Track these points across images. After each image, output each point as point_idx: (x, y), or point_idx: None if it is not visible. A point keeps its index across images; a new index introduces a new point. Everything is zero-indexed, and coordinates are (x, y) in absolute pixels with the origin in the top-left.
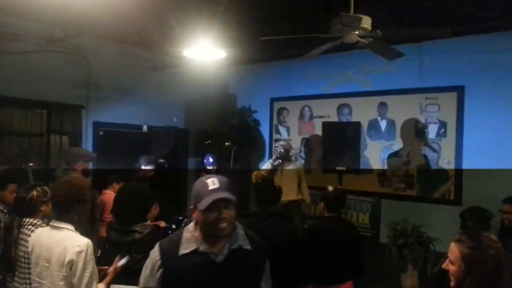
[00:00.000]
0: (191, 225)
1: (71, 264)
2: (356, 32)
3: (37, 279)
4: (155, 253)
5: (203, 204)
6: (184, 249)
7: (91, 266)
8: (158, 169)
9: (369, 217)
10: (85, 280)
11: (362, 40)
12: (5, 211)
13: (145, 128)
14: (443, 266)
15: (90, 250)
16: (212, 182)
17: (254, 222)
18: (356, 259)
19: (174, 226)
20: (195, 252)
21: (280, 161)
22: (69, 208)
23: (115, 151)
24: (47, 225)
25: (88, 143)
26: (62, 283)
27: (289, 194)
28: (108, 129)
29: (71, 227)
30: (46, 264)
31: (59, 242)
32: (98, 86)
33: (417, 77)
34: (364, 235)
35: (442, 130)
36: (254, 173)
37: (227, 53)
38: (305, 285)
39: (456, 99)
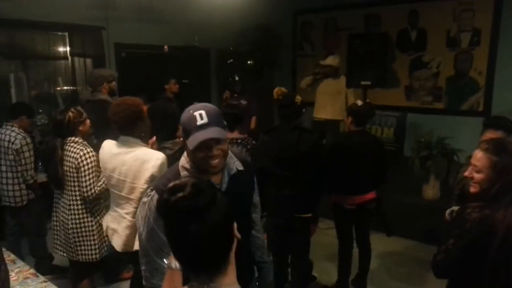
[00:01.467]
0: (184, 159)
1: (154, 178)
2: None
3: (111, 190)
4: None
5: (191, 143)
6: None
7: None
8: (182, 88)
9: (394, 131)
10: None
11: None
12: (27, 134)
13: (166, 48)
14: (466, 174)
15: (166, 161)
16: (200, 116)
17: (277, 136)
18: (379, 172)
19: None
20: None
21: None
22: (133, 126)
23: (138, 72)
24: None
25: (111, 66)
26: (140, 195)
27: (325, 112)
28: (130, 50)
29: (140, 142)
30: (123, 178)
31: (136, 157)
32: (116, 6)
33: None
34: (388, 149)
35: (476, 38)
36: (276, 89)
37: None
38: (329, 194)
39: (494, 4)
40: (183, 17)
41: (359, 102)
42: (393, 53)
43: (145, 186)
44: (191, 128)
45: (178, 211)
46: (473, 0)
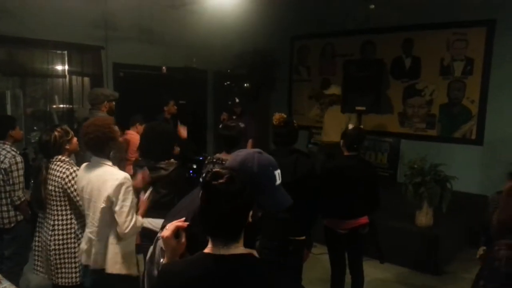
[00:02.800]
0: None
1: (111, 198)
2: None
3: (85, 212)
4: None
5: (272, 204)
6: None
7: (131, 197)
8: (179, 110)
9: (387, 157)
10: (125, 209)
11: None
12: (18, 152)
13: (164, 69)
14: None
15: (129, 182)
16: (278, 176)
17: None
18: (372, 196)
19: (195, 166)
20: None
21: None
22: (104, 146)
23: (136, 92)
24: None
25: (109, 85)
26: (101, 214)
27: (333, 135)
28: (128, 70)
29: (109, 162)
30: (88, 197)
31: (99, 176)
32: (116, 27)
33: (446, 11)
34: (381, 175)
35: (469, 67)
36: (277, 115)
37: None
38: (322, 219)
39: (486, 34)
40: (182, 39)
41: (350, 126)
42: (387, 79)
43: (103, 205)
44: (270, 187)
45: (215, 192)
46: (466, 31)
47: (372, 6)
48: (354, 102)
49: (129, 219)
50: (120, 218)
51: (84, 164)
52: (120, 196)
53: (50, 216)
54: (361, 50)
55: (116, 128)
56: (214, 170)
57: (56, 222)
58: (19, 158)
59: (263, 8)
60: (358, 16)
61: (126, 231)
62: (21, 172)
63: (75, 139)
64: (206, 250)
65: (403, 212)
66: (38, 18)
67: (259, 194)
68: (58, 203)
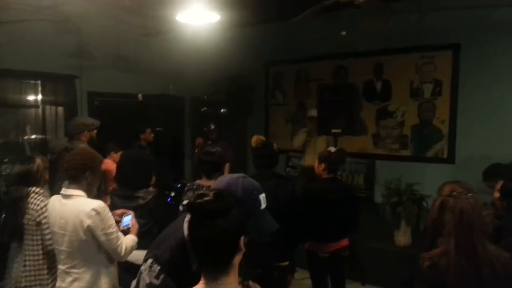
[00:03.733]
0: (187, 222)
1: (91, 229)
2: None
3: (56, 247)
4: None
5: (258, 230)
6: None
7: (112, 222)
8: (156, 137)
9: (364, 178)
10: (113, 236)
11: None
12: None
13: (140, 97)
14: None
15: (106, 209)
16: (263, 200)
17: None
18: (352, 219)
19: (173, 194)
20: None
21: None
22: (80, 176)
23: (112, 121)
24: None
25: (83, 114)
26: (81, 246)
27: (313, 159)
28: (103, 99)
29: (81, 193)
30: (62, 232)
31: (72, 208)
32: (90, 55)
33: (414, 36)
34: (359, 196)
35: (437, 89)
36: (254, 138)
37: (221, 16)
38: (303, 243)
39: (452, 58)
40: (158, 67)
41: (332, 149)
42: (360, 102)
43: (84, 237)
44: (255, 212)
45: (202, 211)
46: (433, 54)
47: (344, 33)
48: (329, 125)
49: (120, 242)
50: (111, 246)
51: (54, 197)
52: (101, 225)
53: (22, 251)
54: (333, 74)
55: (100, 162)
56: (199, 192)
57: (28, 258)
58: None
59: (238, 35)
60: (329, 42)
61: (123, 253)
62: None
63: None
64: (197, 287)
65: (382, 232)
66: (10, 48)
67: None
68: (31, 237)
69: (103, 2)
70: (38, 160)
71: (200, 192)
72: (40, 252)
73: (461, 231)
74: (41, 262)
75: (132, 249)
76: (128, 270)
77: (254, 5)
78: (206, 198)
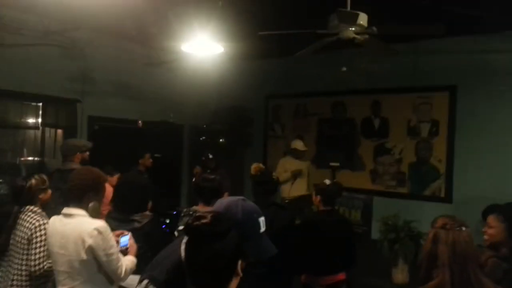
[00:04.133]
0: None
1: (92, 249)
2: (353, 29)
3: (54, 267)
4: None
5: (258, 253)
6: None
7: (113, 242)
8: (154, 164)
9: (361, 214)
10: (114, 256)
11: (358, 37)
12: None
13: (140, 123)
14: None
15: (108, 229)
16: (263, 223)
17: None
18: (349, 252)
19: (168, 221)
20: None
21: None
22: (82, 196)
23: (110, 146)
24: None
25: (82, 137)
26: (81, 267)
27: (299, 189)
28: (103, 123)
29: (83, 212)
30: (62, 252)
31: (74, 228)
32: (93, 81)
33: (411, 76)
34: (355, 232)
35: (434, 129)
36: (254, 165)
37: (224, 48)
38: (298, 275)
39: (449, 99)
40: (159, 94)
41: (327, 181)
42: (358, 138)
43: (85, 257)
44: (255, 234)
45: (199, 233)
46: (430, 95)
47: (344, 69)
48: (328, 159)
49: (120, 264)
50: (111, 267)
51: (54, 217)
52: (102, 245)
53: (11, 270)
54: (331, 110)
55: (104, 183)
56: (197, 214)
57: (16, 277)
58: None
59: (239, 67)
60: (328, 79)
61: (123, 275)
62: None
63: (49, 191)
64: None
65: (379, 268)
66: (14, 70)
67: (243, 241)
68: (20, 256)
69: (110, 30)
70: (33, 180)
71: (198, 214)
72: (24, 273)
73: (455, 263)
74: (25, 283)
75: (131, 270)
76: None
77: (257, 39)
78: (204, 221)
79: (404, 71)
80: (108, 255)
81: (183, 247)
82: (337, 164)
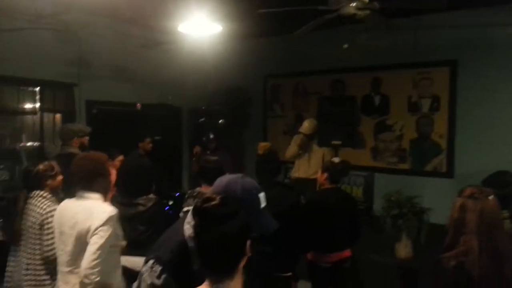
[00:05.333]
0: (190, 228)
1: (96, 229)
2: (353, 4)
3: (62, 247)
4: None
5: (260, 228)
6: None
7: (111, 235)
8: (154, 146)
9: (363, 191)
10: (95, 246)
11: (359, 12)
12: None
13: (139, 106)
14: None
15: (115, 218)
16: (264, 198)
17: None
18: (355, 229)
19: (171, 202)
20: None
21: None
22: (92, 182)
23: (109, 129)
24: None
25: (81, 121)
26: (83, 247)
27: (307, 172)
28: (102, 107)
29: (96, 195)
30: (71, 232)
31: (86, 210)
32: (90, 64)
33: (411, 52)
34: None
35: (435, 104)
36: (262, 144)
37: (222, 27)
38: (305, 253)
39: (449, 74)
40: (157, 77)
41: (336, 160)
42: (358, 116)
43: (89, 238)
44: (255, 210)
45: (209, 216)
46: (430, 70)
47: (346, 46)
48: (329, 137)
49: (97, 255)
50: (90, 249)
51: (67, 199)
52: (103, 229)
53: (24, 254)
54: (331, 88)
55: (108, 166)
56: (205, 195)
57: (30, 261)
58: None
59: (237, 47)
60: (327, 57)
61: (90, 265)
62: None
63: (60, 177)
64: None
65: (382, 244)
66: (10, 55)
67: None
68: (33, 241)
69: (104, 12)
70: (41, 165)
71: (207, 196)
72: (38, 257)
73: (482, 230)
74: (41, 267)
75: (95, 275)
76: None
77: (255, 18)
78: (213, 203)
79: (404, 47)
80: (97, 240)
81: (186, 226)
82: (339, 142)
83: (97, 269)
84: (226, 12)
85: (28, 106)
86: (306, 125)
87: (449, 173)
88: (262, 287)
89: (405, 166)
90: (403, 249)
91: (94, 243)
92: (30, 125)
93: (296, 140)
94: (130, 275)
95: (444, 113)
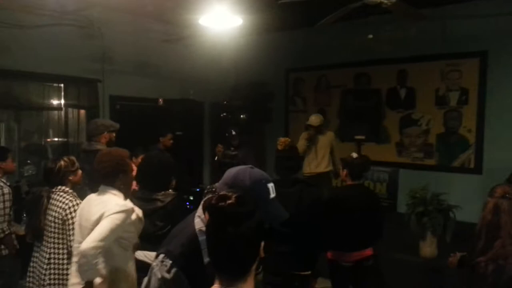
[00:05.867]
0: (200, 222)
1: (108, 216)
2: None
3: (79, 239)
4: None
5: (270, 216)
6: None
7: (119, 228)
8: (175, 141)
9: (386, 187)
10: (102, 230)
11: (385, 1)
12: (7, 184)
13: (161, 101)
14: None
15: (130, 212)
16: (272, 189)
17: (277, 189)
18: (377, 227)
19: (192, 198)
20: None
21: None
22: (114, 178)
23: (132, 124)
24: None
25: (105, 117)
26: None
27: (317, 167)
28: (124, 102)
29: (116, 191)
30: (86, 224)
31: (102, 203)
32: (112, 60)
33: (439, 43)
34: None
35: (464, 97)
36: (282, 139)
37: (243, 20)
38: (325, 251)
39: (479, 65)
40: (179, 72)
41: (354, 155)
42: (383, 110)
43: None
44: (264, 200)
45: (224, 215)
46: (459, 62)
47: (371, 36)
48: (352, 132)
49: (95, 237)
50: (92, 234)
51: (91, 194)
52: (114, 216)
53: (46, 249)
54: (354, 81)
55: (130, 162)
56: (220, 193)
57: (52, 256)
58: (6, 190)
59: (258, 41)
60: (351, 49)
61: (89, 246)
62: (7, 204)
63: (79, 172)
64: None
65: (406, 242)
66: (35, 52)
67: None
68: (56, 235)
69: (126, 8)
70: (62, 161)
71: (222, 193)
72: (65, 251)
73: None
74: (65, 261)
75: (90, 256)
76: (142, 270)
77: (276, 10)
78: (229, 201)
79: (431, 38)
80: (107, 221)
81: (196, 220)
82: (362, 137)
83: (97, 252)
84: (247, 4)
85: (53, 102)
86: (313, 118)
87: (477, 169)
88: (280, 286)
89: (431, 161)
90: (428, 247)
91: (101, 224)
92: (55, 121)
93: (304, 135)
94: (145, 268)
95: (473, 106)
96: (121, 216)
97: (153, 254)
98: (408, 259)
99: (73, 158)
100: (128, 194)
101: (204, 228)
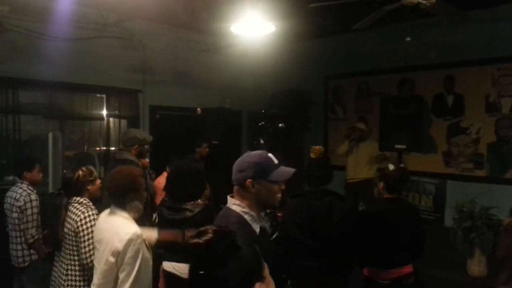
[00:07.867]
0: (237, 207)
1: (119, 252)
2: None
3: (96, 262)
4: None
5: (280, 175)
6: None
7: (139, 260)
8: (212, 151)
9: (433, 199)
10: (130, 279)
11: (424, 1)
12: (34, 191)
13: (199, 110)
14: None
15: (139, 239)
16: (274, 157)
17: (305, 201)
18: (417, 242)
19: None
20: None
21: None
22: (124, 198)
23: (171, 134)
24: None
25: (145, 126)
26: (105, 267)
27: (361, 172)
28: (164, 112)
29: (125, 214)
30: (97, 246)
31: (111, 227)
32: (152, 70)
33: (489, 46)
34: (426, 219)
35: None
36: (316, 147)
37: (276, 27)
38: (361, 268)
39: None
40: (216, 81)
41: (391, 166)
42: (429, 117)
43: (111, 259)
44: (271, 165)
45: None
46: (511, 65)
47: (408, 39)
48: (392, 141)
49: (130, 281)
50: (122, 275)
51: (104, 213)
52: (128, 257)
53: (64, 259)
54: (398, 88)
55: (142, 180)
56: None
57: (70, 267)
58: (33, 197)
59: (295, 48)
60: (393, 54)
61: None
62: (35, 210)
63: (98, 181)
64: None
65: (453, 260)
66: (78, 64)
67: (267, 175)
68: (71, 247)
69: (163, 19)
70: (80, 171)
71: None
72: (77, 263)
73: None
74: (79, 273)
75: None
76: (171, 282)
77: (310, 15)
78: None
79: (480, 41)
80: (128, 273)
81: (233, 206)
82: (403, 146)
83: None
84: (278, 10)
85: (95, 112)
86: (358, 123)
87: None
88: None
89: (482, 173)
90: (476, 266)
91: (122, 281)
92: (97, 130)
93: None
94: (176, 281)
95: None
96: (133, 247)
97: (182, 265)
98: (455, 278)
99: (91, 167)
100: (139, 213)
101: (246, 209)
